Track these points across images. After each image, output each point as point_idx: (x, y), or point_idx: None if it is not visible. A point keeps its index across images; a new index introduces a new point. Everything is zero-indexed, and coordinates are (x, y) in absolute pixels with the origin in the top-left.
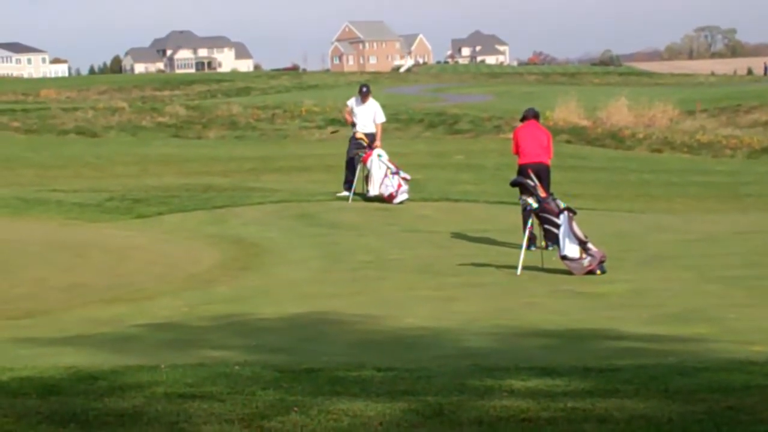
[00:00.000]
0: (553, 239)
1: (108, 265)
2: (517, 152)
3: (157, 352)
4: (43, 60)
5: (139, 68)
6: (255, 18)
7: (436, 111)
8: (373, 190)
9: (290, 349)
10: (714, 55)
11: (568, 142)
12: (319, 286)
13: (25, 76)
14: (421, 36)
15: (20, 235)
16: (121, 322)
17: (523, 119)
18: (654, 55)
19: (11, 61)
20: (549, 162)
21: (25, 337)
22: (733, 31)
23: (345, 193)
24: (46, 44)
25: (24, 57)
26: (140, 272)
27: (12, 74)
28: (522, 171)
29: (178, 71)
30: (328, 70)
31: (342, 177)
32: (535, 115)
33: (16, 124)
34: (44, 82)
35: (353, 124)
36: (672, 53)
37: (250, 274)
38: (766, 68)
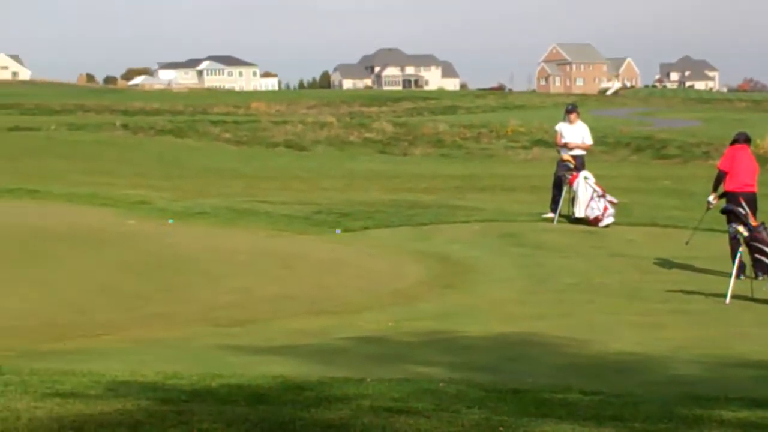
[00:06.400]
0: (763, 269)
1: (314, 277)
2: (724, 169)
3: (362, 366)
4: (254, 73)
5: (347, 84)
6: (462, 37)
7: (643, 135)
8: (579, 213)
9: (494, 368)
10: None
11: None
12: (523, 307)
13: (237, 88)
14: (629, 59)
15: (229, 245)
16: (327, 334)
17: (734, 142)
18: None
19: (223, 74)
20: (757, 190)
21: (233, 344)
22: None
23: (550, 215)
24: (257, 58)
25: (236, 70)
26: (345, 285)
27: (224, 86)
28: (733, 199)
29: (385, 88)
30: (534, 91)
31: (548, 198)
32: (747, 140)
33: (227, 135)
34: (255, 95)
35: (563, 147)
36: None
37: (455, 292)
38: None
